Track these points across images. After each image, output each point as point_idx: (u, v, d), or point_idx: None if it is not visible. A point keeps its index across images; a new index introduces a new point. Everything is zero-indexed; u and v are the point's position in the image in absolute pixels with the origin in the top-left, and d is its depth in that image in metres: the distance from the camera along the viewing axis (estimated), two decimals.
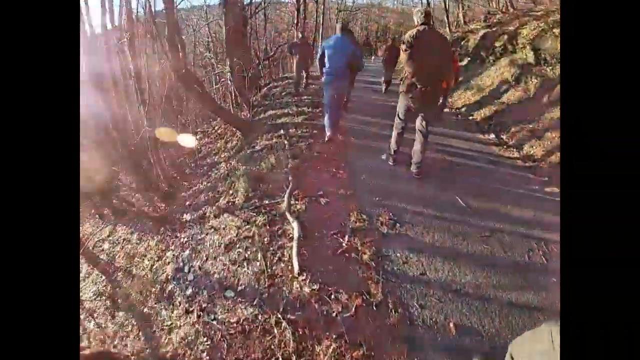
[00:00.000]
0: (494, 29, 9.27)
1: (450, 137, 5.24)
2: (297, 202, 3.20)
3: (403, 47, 3.22)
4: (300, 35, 9.00)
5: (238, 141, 6.53)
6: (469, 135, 5.71)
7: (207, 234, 3.43)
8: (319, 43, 19.35)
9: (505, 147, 5.37)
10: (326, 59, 4.05)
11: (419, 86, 3.29)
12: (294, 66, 9.37)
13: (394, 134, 3.74)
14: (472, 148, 4.98)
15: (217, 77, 13.82)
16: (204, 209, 3.98)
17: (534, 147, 5.24)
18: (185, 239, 3.60)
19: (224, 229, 3.31)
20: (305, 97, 7.45)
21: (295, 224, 2.80)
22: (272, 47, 22.00)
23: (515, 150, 5.29)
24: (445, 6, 13.74)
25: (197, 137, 10.23)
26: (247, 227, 3.11)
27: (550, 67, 6.34)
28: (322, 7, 21.28)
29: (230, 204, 3.68)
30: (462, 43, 10.53)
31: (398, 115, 3.65)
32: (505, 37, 8.06)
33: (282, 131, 4.97)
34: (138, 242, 4.69)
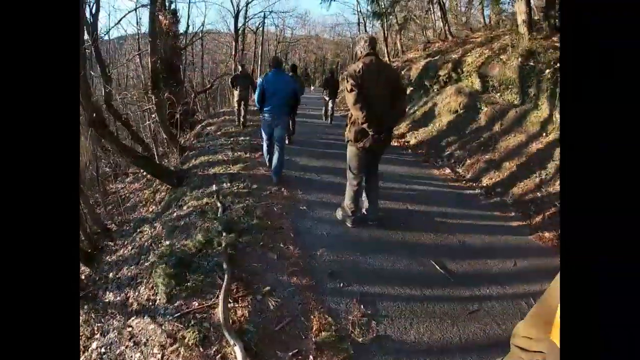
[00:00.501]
0: (435, 58, 9.39)
1: (405, 176, 4.75)
2: (236, 304, 2.30)
3: (348, 86, 2.72)
4: (240, 67, 8.87)
5: (166, 193, 5.45)
6: (424, 171, 5.29)
7: (126, 347, 2.45)
8: (258, 74, 19.11)
9: (464, 181, 5.00)
10: (266, 97, 3.97)
11: (371, 133, 2.74)
12: (233, 99, 8.88)
13: (350, 191, 3.09)
14: (430, 187, 4.52)
15: (147, 113, 12.43)
16: (126, 292, 3.19)
17: (493, 179, 4.97)
18: (104, 346, 2.62)
19: (145, 344, 2.34)
20: (242, 138, 6.64)
21: (237, 349, 1.90)
22: (210, 78, 21.03)
23: (474, 184, 4.96)
24: (384, 35, 14.00)
25: (127, 179, 8.91)
26: (174, 346, 2.15)
27: (499, 94, 6.31)
28: (261, 37, 21.03)
29: (151, 302, 2.68)
30: (403, 72, 10.61)
31: (350, 169, 3.03)
32: (450, 65, 8.09)
33: (214, 187, 4.05)
34: None
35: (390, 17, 12.54)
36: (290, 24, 35.34)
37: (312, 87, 31.45)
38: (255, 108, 4.49)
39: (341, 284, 2.49)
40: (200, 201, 3.84)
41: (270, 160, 4.35)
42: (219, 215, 3.26)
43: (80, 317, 3.58)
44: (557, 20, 6.22)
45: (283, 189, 3.99)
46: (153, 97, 6.34)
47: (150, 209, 5.58)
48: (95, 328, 3.26)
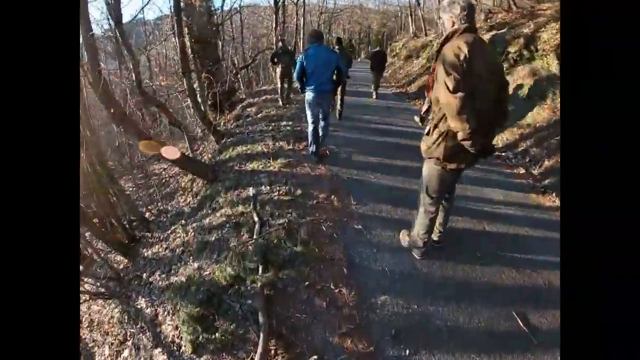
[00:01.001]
0: (502, 31, 8.01)
1: (475, 179, 3.89)
2: None
3: (448, 81, 1.78)
4: (280, 43, 8.49)
5: (203, 185, 5.06)
6: (495, 172, 4.34)
7: None
8: (300, 48, 18.15)
9: (541, 191, 4.03)
10: (307, 74, 3.70)
11: (473, 150, 1.91)
12: (275, 76, 8.45)
13: (424, 219, 2.34)
14: (505, 196, 3.64)
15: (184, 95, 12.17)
16: (156, 307, 2.94)
17: None
18: None
19: None
20: (285, 123, 6.00)
21: None
22: (252, 54, 20.43)
23: (552, 194, 3.99)
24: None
25: (165, 165, 8.80)
26: None
27: None
28: (302, 9, 19.83)
29: (175, 347, 2.26)
30: None
31: (428, 193, 2.26)
32: (521, 40, 6.79)
33: (251, 191, 3.49)
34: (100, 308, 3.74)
35: None
36: None
37: (358, 59, 29.92)
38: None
39: (407, 351, 1.87)
40: (234, 209, 3.33)
41: (316, 144, 4.12)
42: (255, 237, 2.70)
43: (114, 316, 3.50)
44: None
45: (333, 197, 3.33)
46: (184, 80, 5.82)
47: (187, 200, 5.25)
48: (128, 334, 3.15)
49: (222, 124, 7.86)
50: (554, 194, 3.77)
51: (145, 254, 4.20)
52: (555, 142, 4.81)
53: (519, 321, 2.09)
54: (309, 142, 4.19)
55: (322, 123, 4.07)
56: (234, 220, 3.12)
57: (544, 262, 2.59)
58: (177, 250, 3.58)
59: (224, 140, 6.03)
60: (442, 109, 1.91)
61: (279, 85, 7.63)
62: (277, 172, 3.95)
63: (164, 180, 7.57)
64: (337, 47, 6.71)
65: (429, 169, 2.19)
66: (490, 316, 2.10)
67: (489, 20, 10.29)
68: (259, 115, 7.04)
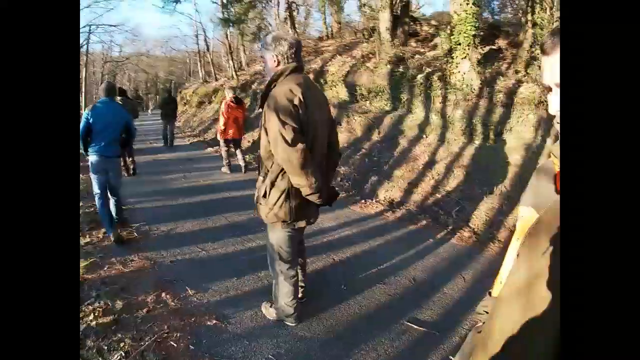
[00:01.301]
0: None
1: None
2: None
3: (284, 131, 1.58)
4: None
5: None
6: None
7: None
8: (83, 104, 14.95)
9: (363, 201, 4.58)
10: (93, 134, 3.22)
11: (321, 200, 1.77)
12: None
13: (286, 286, 2.01)
14: (332, 220, 3.88)
15: None
16: None
17: (389, 192, 4.77)
18: None
19: None
20: None
21: None
22: None
23: (373, 201, 4.64)
24: (229, 47, 12.97)
25: None
26: None
27: (369, 102, 6.23)
28: (85, 58, 16.59)
29: None
30: (254, 87, 9.95)
31: (282, 259, 1.98)
32: (312, 76, 7.77)
33: None
34: None
35: (242, 25, 11.41)
36: (118, 41, 29.46)
37: (149, 111, 27.44)
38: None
39: None
40: None
41: (111, 224, 3.39)
42: None
43: None
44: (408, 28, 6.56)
45: (165, 295, 2.55)
46: None
47: None
48: None
49: None
50: (368, 201, 4.34)
51: None
52: (358, 158, 5.61)
53: (415, 326, 2.17)
54: (100, 212, 3.47)
55: (112, 199, 3.51)
56: None
57: (399, 264, 2.85)
58: None
59: None
60: (281, 164, 1.68)
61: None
62: (81, 285, 2.80)
63: None
64: (119, 98, 6.11)
65: (276, 234, 1.91)
66: (392, 338, 2.08)
67: None
68: None
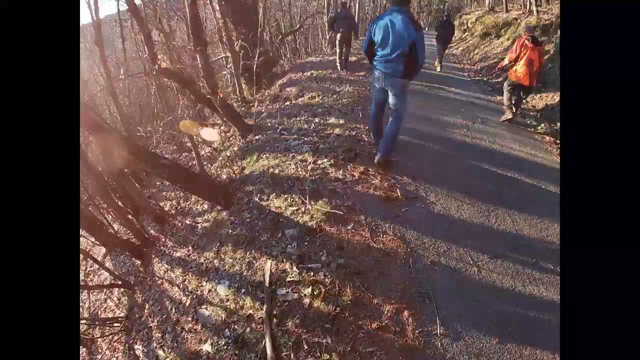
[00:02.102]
0: None
1: None
2: None
3: None
4: (339, 6, 7.48)
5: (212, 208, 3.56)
6: None
7: None
8: (356, 12, 15.66)
9: None
10: (376, 42, 3.01)
11: None
12: (335, 42, 7.59)
13: None
14: None
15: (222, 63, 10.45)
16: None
17: None
18: None
19: None
20: (334, 119, 4.26)
21: None
22: (301, 18, 18.26)
23: None
24: None
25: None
26: None
27: None
28: None
29: None
30: None
31: None
32: None
33: (266, 276, 2.03)
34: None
35: None
36: None
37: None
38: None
39: None
40: (238, 303, 2.03)
41: (379, 131, 3.46)
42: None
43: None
44: None
45: (405, 314, 1.80)
46: (198, 57, 4.18)
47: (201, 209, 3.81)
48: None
49: (254, 106, 6.26)
50: None
51: (155, 268, 3.35)
52: None
53: None
54: (370, 124, 3.60)
55: (389, 125, 3.26)
56: (235, 330, 1.66)
57: None
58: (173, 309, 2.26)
59: (250, 137, 4.42)
60: None
61: (337, 50, 7.13)
62: (314, 229, 2.36)
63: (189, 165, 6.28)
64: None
65: None
66: None
67: None
68: (300, 101, 5.35)
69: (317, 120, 4.28)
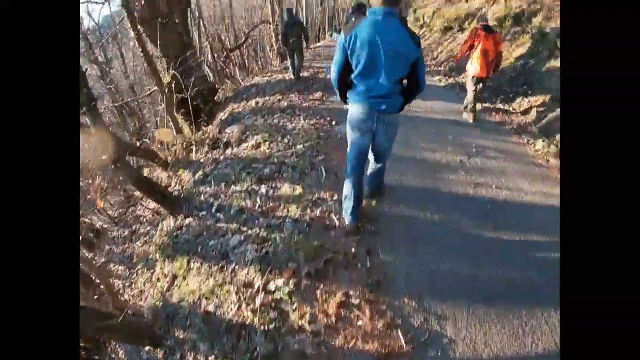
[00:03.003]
0: None
1: None
2: None
3: None
4: (286, 14, 6.77)
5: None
6: None
7: None
8: (306, 18, 14.51)
9: None
10: (357, 68, 1.94)
11: None
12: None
13: None
14: None
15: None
16: None
17: None
18: None
19: None
20: (287, 184, 3.08)
21: None
22: (246, 29, 16.91)
23: None
24: None
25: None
26: None
27: None
28: None
29: None
30: None
31: None
32: None
33: None
34: None
35: None
36: None
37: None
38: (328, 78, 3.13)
39: None
40: None
41: (360, 201, 2.41)
42: None
43: None
44: None
45: None
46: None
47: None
48: None
49: (193, 151, 5.03)
50: None
51: None
52: None
53: None
54: (345, 205, 2.41)
55: (373, 166, 2.51)
56: None
57: None
58: None
59: (179, 220, 3.21)
60: None
61: (289, 61, 6.81)
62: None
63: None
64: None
65: None
66: None
67: None
68: (243, 149, 4.17)
69: (263, 190, 3.06)
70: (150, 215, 4.22)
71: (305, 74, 7.32)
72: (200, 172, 4.05)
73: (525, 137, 4.23)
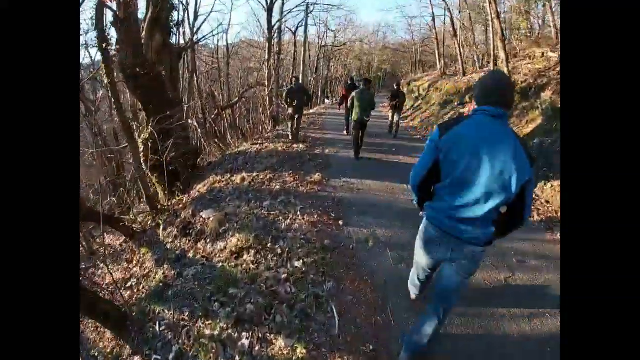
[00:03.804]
0: None
1: None
2: None
3: None
4: (293, 80, 7.47)
5: None
6: None
7: None
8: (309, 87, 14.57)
9: None
10: (447, 178, 1.50)
11: None
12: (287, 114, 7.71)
13: None
14: None
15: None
16: None
17: None
18: None
19: None
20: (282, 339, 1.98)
21: None
22: (240, 89, 16.83)
23: None
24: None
25: None
26: None
27: None
28: (304, 36, 16.48)
29: None
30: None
31: None
32: None
33: None
34: None
35: None
36: (331, 25, 29.25)
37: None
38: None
39: None
40: None
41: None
42: None
43: None
44: None
45: None
46: None
47: None
48: None
49: (161, 228, 3.93)
50: None
51: None
52: None
53: None
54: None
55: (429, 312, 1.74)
56: None
57: None
58: None
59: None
60: None
61: (289, 124, 7.45)
62: None
63: None
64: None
65: None
66: None
67: None
68: (219, 252, 3.22)
69: (245, 342, 1.96)
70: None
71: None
72: (160, 274, 2.92)
73: (557, 231, 3.37)
